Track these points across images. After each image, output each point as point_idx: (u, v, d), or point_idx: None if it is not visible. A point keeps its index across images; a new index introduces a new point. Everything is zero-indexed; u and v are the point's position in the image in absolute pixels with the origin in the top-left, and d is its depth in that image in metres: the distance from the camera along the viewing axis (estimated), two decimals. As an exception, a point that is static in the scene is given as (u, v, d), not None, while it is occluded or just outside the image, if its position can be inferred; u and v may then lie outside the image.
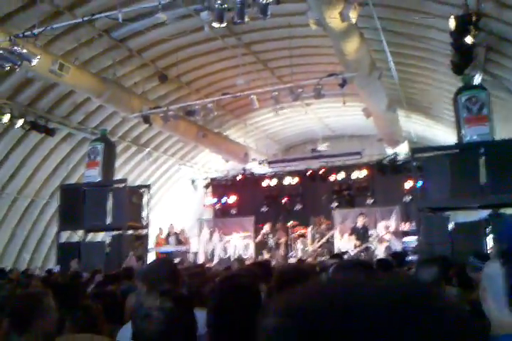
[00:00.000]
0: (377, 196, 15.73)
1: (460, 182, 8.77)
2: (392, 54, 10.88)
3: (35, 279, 7.36)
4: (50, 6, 9.41)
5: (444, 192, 8.96)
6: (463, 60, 8.66)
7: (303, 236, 15.01)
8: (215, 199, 17.96)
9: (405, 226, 14.23)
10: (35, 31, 8.37)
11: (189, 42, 11.93)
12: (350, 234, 13.10)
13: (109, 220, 11.30)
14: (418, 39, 10.71)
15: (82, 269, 9.19)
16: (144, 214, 12.06)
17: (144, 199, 12.24)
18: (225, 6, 7.30)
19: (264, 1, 7.10)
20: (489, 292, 1.65)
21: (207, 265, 11.69)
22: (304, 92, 11.09)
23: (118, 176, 13.41)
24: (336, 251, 13.62)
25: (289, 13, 10.59)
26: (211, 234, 16.46)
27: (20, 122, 11.28)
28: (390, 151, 15.95)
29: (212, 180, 18.37)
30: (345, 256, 12.13)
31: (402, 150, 15.47)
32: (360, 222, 12.95)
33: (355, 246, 12.88)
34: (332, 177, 16.17)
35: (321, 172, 16.35)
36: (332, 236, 14.45)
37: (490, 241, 8.57)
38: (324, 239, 14.28)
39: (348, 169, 15.99)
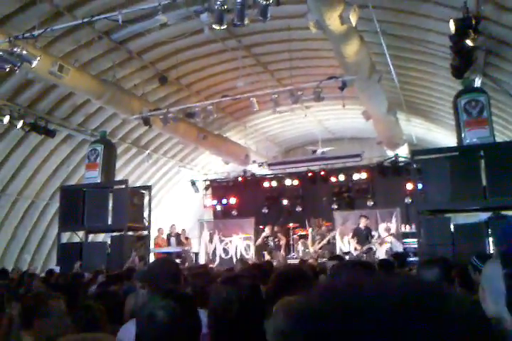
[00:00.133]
0: (378, 198, 15.76)
1: (460, 185, 8.77)
2: (392, 57, 10.90)
3: (37, 279, 7.36)
4: (49, 6, 9.42)
5: (444, 195, 8.96)
6: (462, 63, 8.67)
7: (303, 237, 15.03)
8: (215, 201, 17.98)
9: (406, 228, 14.26)
10: (35, 33, 8.38)
11: (189, 44, 11.95)
12: (353, 236, 13.09)
13: (109, 221, 11.31)
14: (418, 42, 10.72)
15: (83, 270, 9.22)
16: (145, 215, 12.08)
17: (145, 201, 12.27)
18: (225, 7, 7.31)
19: (264, 3, 7.11)
20: (488, 293, 1.66)
21: (209, 266, 11.69)
22: (304, 95, 11.09)
23: (118, 178, 13.42)
24: (337, 252, 13.64)
25: (288, 15, 10.62)
26: (211, 235, 16.46)
27: (20, 123, 11.30)
28: (390, 153, 15.97)
29: (213, 181, 18.39)
30: (347, 257, 12.17)
31: (402, 153, 15.50)
32: (362, 224, 12.95)
33: (356, 248, 12.89)
34: (332, 180, 16.22)
35: (321, 174, 16.38)
36: (333, 238, 14.46)
37: (491, 242, 8.58)
38: (325, 241, 14.29)
39: (348, 171, 16.04)
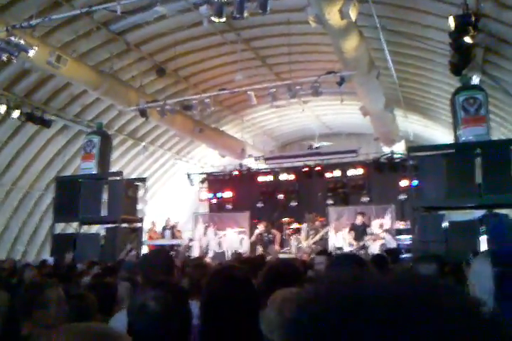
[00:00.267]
0: (373, 194, 15.79)
1: (455, 182, 8.79)
2: (391, 53, 10.88)
3: (29, 269, 7.35)
4: (48, -5, 9.36)
5: (439, 192, 8.99)
6: (461, 60, 8.66)
7: (297, 232, 15.05)
8: (211, 194, 17.98)
9: (400, 225, 14.29)
10: (33, 22, 8.32)
11: (188, 36, 11.89)
12: (349, 231, 13.12)
13: (104, 213, 11.29)
14: (417, 38, 10.71)
15: (76, 261, 9.21)
16: (139, 207, 12.06)
17: (140, 193, 12.25)
18: (224, 0, 7.28)
19: (263, -4, 7.08)
20: (477, 289, 1.66)
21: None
22: (302, 90, 11.08)
23: (114, 169, 13.38)
24: (330, 247, 13.68)
25: (288, 9, 10.58)
26: (206, 228, 16.48)
27: (16, 113, 11.25)
28: (386, 150, 15.98)
29: (208, 174, 18.38)
30: (339, 252, 12.19)
31: (399, 149, 15.51)
32: (358, 220, 12.96)
33: (352, 244, 12.94)
34: (328, 175, 16.22)
35: (317, 169, 16.38)
36: (326, 233, 14.48)
37: (484, 240, 8.61)
38: (318, 236, 14.31)
39: (344, 167, 16.04)
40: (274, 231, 15.12)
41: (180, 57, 12.79)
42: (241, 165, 17.62)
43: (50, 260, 10.04)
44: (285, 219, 15.81)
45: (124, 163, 15.71)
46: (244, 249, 15.41)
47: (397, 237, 13.51)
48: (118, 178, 11.62)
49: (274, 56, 13.59)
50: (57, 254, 10.64)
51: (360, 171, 15.88)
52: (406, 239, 12.77)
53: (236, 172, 17.51)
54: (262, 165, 17.63)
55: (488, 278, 1.62)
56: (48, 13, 8.92)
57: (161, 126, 15.02)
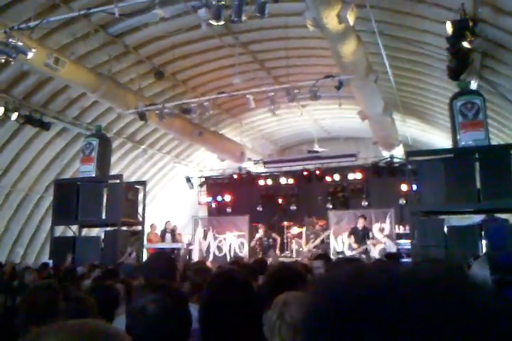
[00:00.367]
0: (372, 198, 15.80)
1: (454, 187, 8.79)
2: (389, 58, 10.91)
3: (29, 272, 7.34)
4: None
5: (438, 197, 8.99)
6: (459, 65, 8.68)
7: (298, 236, 15.04)
8: (210, 198, 17.97)
9: (400, 229, 14.29)
10: (31, 24, 8.33)
11: (186, 39, 11.91)
12: (349, 235, 13.09)
13: (103, 216, 11.29)
14: (415, 43, 10.73)
15: (76, 264, 9.19)
16: (139, 210, 12.06)
17: (140, 196, 12.24)
18: (223, 3, 7.29)
19: (262, -1, 7.10)
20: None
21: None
22: (300, 93, 11.08)
23: (113, 172, 13.39)
24: (331, 252, 13.67)
25: (286, 13, 10.60)
26: (205, 232, 16.45)
27: (14, 116, 11.24)
28: (385, 154, 15.99)
29: (208, 178, 18.37)
30: (340, 256, 12.16)
31: (398, 154, 15.52)
32: (360, 224, 12.94)
33: (350, 247, 12.91)
34: (327, 179, 16.24)
35: (316, 173, 16.39)
36: (327, 237, 14.46)
37: (484, 245, 8.61)
38: (319, 240, 14.29)
39: (344, 171, 16.05)
40: (274, 235, 15.09)
41: (179, 60, 12.81)
42: (240, 169, 17.62)
43: (51, 263, 10.03)
44: (285, 223, 15.80)
45: (124, 166, 15.70)
46: (244, 253, 15.39)
47: (397, 242, 13.51)
48: (118, 181, 11.62)
49: (272, 60, 13.61)
50: (56, 257, 10.63)
51: (359, 175, 15.89)
52: (406, 243, 12.76)
53: (235, 176, 17.51)
54: (261, 169, 17.62)
55: (486, 281, 1.61)
56: (46, 16, 8.93)
57: (160, 130, 15.02)
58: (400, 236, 13.83)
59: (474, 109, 9.21)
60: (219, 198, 17.72)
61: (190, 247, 15.53)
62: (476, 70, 9.97)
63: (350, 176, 15.97)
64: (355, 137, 18.99)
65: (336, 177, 16.07)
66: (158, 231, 15.12)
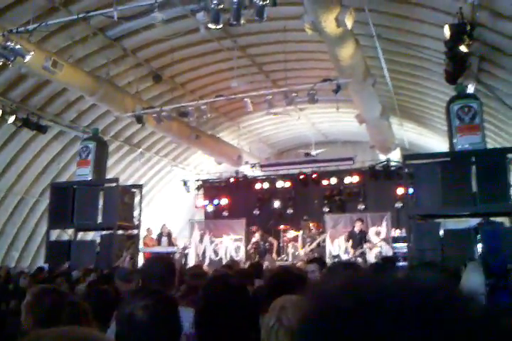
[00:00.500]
0: (369, 202, 15.80)
1: (451, 190, 8.80)
2: (387, 61, 10.93)
3: (25, 276, 7.32)
4: (45, 1, 9.36)
5: (434, 200, 8.99)
6: (456, 69, 8.71)
7: (294, 239, 15.01)
8: (207, 201, 17.95)
9: (396, 233, 14.28)
10: (30, 27, 8.32)
11: (184, 43, 11.93)
12: (347, 239, 13.07)
13: (99, 219, 11.25)
14: (412, 47, 10.77)
15: (71, 268, 9.15)
16: (135, 214, 12.02)
17: (136, 199, 12.20)
18: (222, 6, 7.30)
19: (260, 3, 7.10)
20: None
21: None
22: (298, 97, 11.10)
23: (109, 176, 13.36)
24: (327, 255, 13.65)
25: (285, 16, 10.64)
26: (202, 235, 16.41)
27: (11, 118, 11.22)
28: (382, 157, 16.02)
29: (205, 181, 18.34)
30: (336, 260, 12.14)
31: (395, 157, 15.55)
32: (357, 227, 12.93)
33: (347, 251, 12.90)
34: (324, 182, 16.24)
35: (313, 176, 16.40)
36: (324, 241, 14.45)
37: (480, 248, 8.64)
38: (315, 244, 14.27)
39: (340, 174, 16.05)
40: (271, 239, 15.06)
41: (177, 64, 12.81)
42: (237, 172, 17.60)
43: (45, 267, 9.98)
44: (281, 227, 15.78)
45: (120, 170, 15.67)
46: (241, 256, 15.36)
47: (394, 245, 13.50)
48: (114, 185, 11.58)
49: (271, 63, 13.63)
50: (52, 261, 10.58)
51: (356, 179, 15.89)
52: (402, 246, 12.76)
53: (232, 180, 17.50)
54: (258, 172, 17.61)
55: (480, 286, 1.61)
56: (44, 19, 8.93)
57: (158, 133, 15.01)
58: (396, 239, 13.82)
59: (471, 112, 9.23)
60: (216, 201, 17.69)
61: (186, 251, 15.50)
62: (473, 74, 10.00)
63: (347, 180, 15.97)
64: (353, 141, 19.02)
65: (333, 180, 16.07)
66: (154, 236, 15.09)
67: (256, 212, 16.87)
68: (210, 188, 18.17)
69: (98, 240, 11.59)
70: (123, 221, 11.44)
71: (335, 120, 17.47)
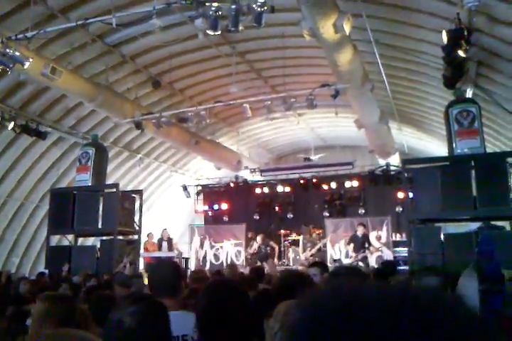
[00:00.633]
0: (369, 206, 15.82)
1: (450, 195, 8.81)
2: (385, 66, 10.97)
3: (25, 282, 7.30)
4: (43, 8, 9.40)
5: (434, 204, 9.00)
6: (454, 74, 8.74)
7: (295, 244, 15.00)
8: (207, 206, 17.94)
9: (396, 237, 14.29)
10: (28, 34, 8.35)
11: (183, 49, 11.96)
12: (349, 243, 13.07)
13: (99, 225, 11.24)
14: (410, 52, 10.80)
15: (72, 273, 9.15)
16: (135, 219, 12.01)
17: (136, 205, 12.20)
18: (220, 13, 7.33)
19: (258, 9, 7.13)
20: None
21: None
22: (297, 102, 11.12)
23: (109, 181, 13.37)
24: (328, 259, 13.64)
25: (283, 22, 10.67)
26: (202, 240, 16.40)
27: (11, 125, 11.25)
28: (382, 162, 16.03)
29: (204, 187, 18.35)
30: (337, 264, 12.12)
31: (394, 162, 15.56)
32: (360, 232, 12.92)
33: (348, 255, 12.90)
34: (324, 187, 16.26)
35: (313, 181, 16.41)
36: (324, 245, 14.44)
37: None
38: (316, 248, 14.26)
39: (340, 179, 16.08)
40: (272, 243, 15.05)
41: (176, 70, 12.85)
42: (237, 177, 17.62)
43: (47, 272, 9.98)
44: (282, 231, 15.78)
45: (120, 175, 15.67)
46: (241, 261, 15.35)
47: (394, 249, 13.50)
48: (114, 190, 11.59)
49: (269, 69, 13.67)
50: (52, 266, 10.57)
51: (355, 183, 15.91)
52: (403, 251, 12.76)
53: (232, 185, 17.50)
54: (257, 177, 17.63)
55: (474, 292, 1.62)
56: (43, 26, 8.96)
57: (157, 138, 15.03)
58: (396, 243, 13.84)
59: (470, 117, 9.26)
60: (216, 207, 17.69)
61: (184, 256, 15.47)
62: (471, 79, 10.04)
63: (347, 184, 15.99)
64: (352, 145, 19.04)
65: (333, 185, 16.10)
66: (155, 241, 15.06)
67: (256, 216, 16.88)
68: (210, 193, 18.18)
69: (98, 245, 11.58)
70: (123, 226, 11.43)
71: (334, 125, 17.50)
